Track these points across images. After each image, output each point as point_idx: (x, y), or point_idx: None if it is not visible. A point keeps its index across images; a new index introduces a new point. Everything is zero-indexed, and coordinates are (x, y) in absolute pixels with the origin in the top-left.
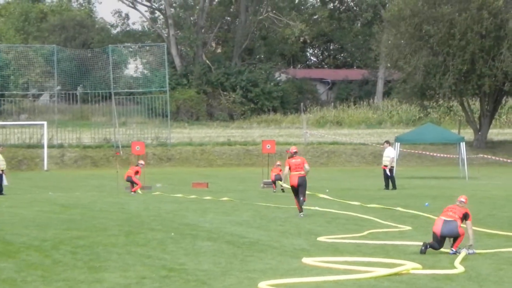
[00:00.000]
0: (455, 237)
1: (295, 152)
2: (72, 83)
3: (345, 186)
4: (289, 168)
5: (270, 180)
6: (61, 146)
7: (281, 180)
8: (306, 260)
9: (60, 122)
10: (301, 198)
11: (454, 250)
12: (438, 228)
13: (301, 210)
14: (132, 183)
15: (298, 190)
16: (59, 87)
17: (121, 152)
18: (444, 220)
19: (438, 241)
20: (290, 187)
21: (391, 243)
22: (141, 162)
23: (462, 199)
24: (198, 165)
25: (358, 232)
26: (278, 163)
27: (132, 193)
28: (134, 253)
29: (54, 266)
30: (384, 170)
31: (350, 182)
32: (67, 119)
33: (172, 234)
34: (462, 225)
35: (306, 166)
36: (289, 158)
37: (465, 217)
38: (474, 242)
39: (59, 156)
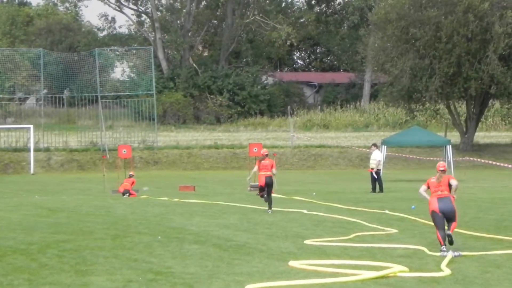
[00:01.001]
0: (451, 219)
1: (266, 155)
2: (58, 87)
3: (332, 189)
4: (258, 168)
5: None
6: (47, 149)
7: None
8: (293, 263)
9: (47, 126)
10: (269, 197)
11: (451, 232)
12: (435, 206)
13: (270, 207)
14: (129, 193)
15: (266, 189)
16: (45, 91)
17: (108, 156)
18: (439, 198)
19: (442, 220)
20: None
21: (378, 246)
22: (132, 173)
23: (442, 168)
24: (185, 168)
25: (345, 235)
26: None
27: (125, 196)
28: (120, 257)
29: (40, 269)
30: (371, 173)
31: (337, 185)
32: (54, 122)
33: (159, 237)
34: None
35: (274, 170)
36: (259, 160)
37: (450, 181)
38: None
39: (45, 159)
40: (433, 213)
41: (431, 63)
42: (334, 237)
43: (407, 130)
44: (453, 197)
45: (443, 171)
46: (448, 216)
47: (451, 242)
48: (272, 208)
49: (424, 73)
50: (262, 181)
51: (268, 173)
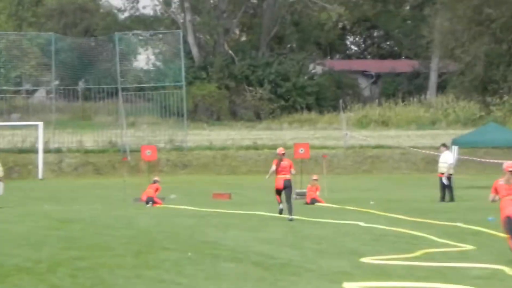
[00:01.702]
0: None
1: (283, 154)
2: (72, 77)
3: (393, 197)
4: (275, 169)
5: (304, 191)
6: (58, 150)
7: (317, 202)
8: (348, 285)
9: (58, 123)
10: (289, 202)
11: None
12: (510, 211)
13: (291, 213)
14: (153, 202)
15: (284, 192)
16: (57, 82)
17: (129, 158)
18: None
19: None
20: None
21: (449, 265)
22: (157, 178)
23: (511, 169)
24: (219, 172)
25: (409, 252)
26: (314, 177)
27: (149, 205)
28: (144, 277)
29: None
30: (440, 179)
31: (398, 192)
32: (66, 119)
33: (189, 254)
34: None
35: (293, 171)
36: (278, 160)
37: None
38: None
39: (56, 162)
40: (507, 220)
41: (510, 48)
42: (396, 255)
43: (481, 127)
44: None
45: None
46: None
47: None
48: (294, 216)
49: (502, 60)
50: (280, 184)
51: (288, 176)
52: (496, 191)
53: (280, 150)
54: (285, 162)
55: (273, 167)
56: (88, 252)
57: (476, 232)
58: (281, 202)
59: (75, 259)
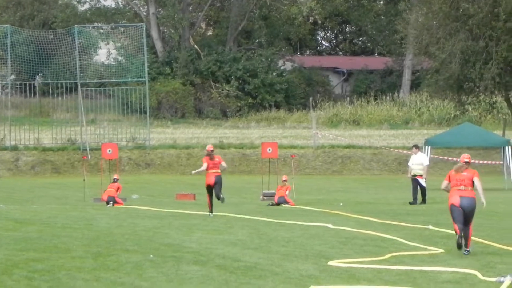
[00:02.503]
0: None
1: (212, 151)
2: (29, 72)
3: (364, 198)
4: (207, 166)
5: (273, 192)
6: (15, 148)
7: (286, 203)
8: None
9: (14, 119)
10: (221, 196)
11: (468, 250)
12: (457, 201)
13: (212, 210)
14: (114, 202)
15: (214, 188)
16: (13, 77)
17: (89, 156)
18: (461, 196)
19: (461, 215)
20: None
21: (418, 268)
22: (116, 176)
23: (466, 160)
24: (184, 172)
25: (378, 255)
26: (284, 178)
27: (109, 205)
28: (103, 280)
29: None
30: (416, 180)
31: (369, 194)
32: (23, 115)
33: (151, 256)
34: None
35: (224, 164)
36: (208, 157)
37: (474, 179)
38: (485, 199)
39: (12, 160)
40: (452, 207)
41: (487, 45)
42: (365, 258)
43: (456, 127)
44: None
45: (468, 163)
46: (466, 215)
47: (462, 246)
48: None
49: (478, 57)
50: (211, 180)
51: (219, 171)
52: (449, 179)
53: (209, 147)
54: (216, 159)
55: (205, 165)
56: (46, 254)
57: (447, 235)
58: (211, 210)
59: (32, 261)
